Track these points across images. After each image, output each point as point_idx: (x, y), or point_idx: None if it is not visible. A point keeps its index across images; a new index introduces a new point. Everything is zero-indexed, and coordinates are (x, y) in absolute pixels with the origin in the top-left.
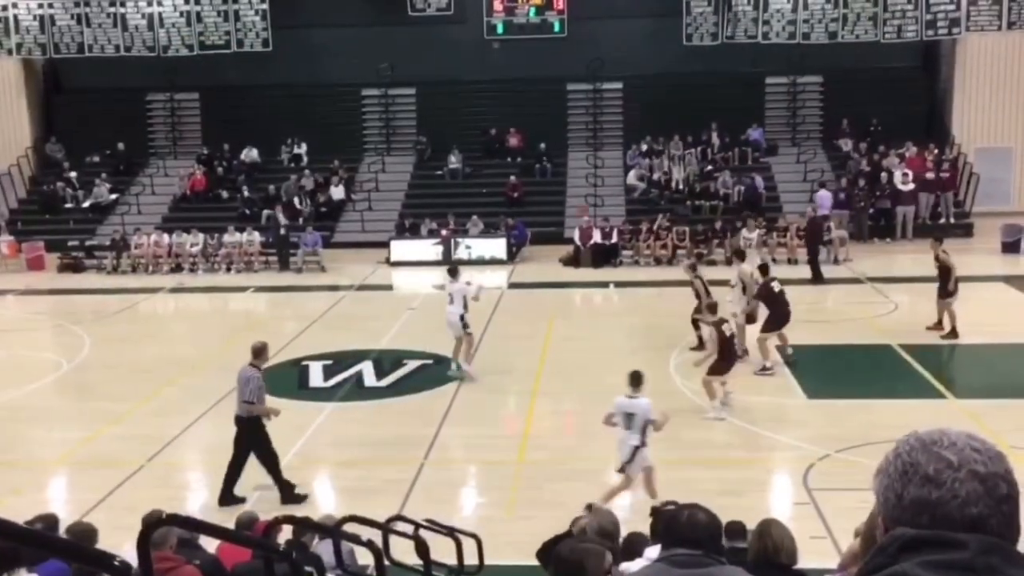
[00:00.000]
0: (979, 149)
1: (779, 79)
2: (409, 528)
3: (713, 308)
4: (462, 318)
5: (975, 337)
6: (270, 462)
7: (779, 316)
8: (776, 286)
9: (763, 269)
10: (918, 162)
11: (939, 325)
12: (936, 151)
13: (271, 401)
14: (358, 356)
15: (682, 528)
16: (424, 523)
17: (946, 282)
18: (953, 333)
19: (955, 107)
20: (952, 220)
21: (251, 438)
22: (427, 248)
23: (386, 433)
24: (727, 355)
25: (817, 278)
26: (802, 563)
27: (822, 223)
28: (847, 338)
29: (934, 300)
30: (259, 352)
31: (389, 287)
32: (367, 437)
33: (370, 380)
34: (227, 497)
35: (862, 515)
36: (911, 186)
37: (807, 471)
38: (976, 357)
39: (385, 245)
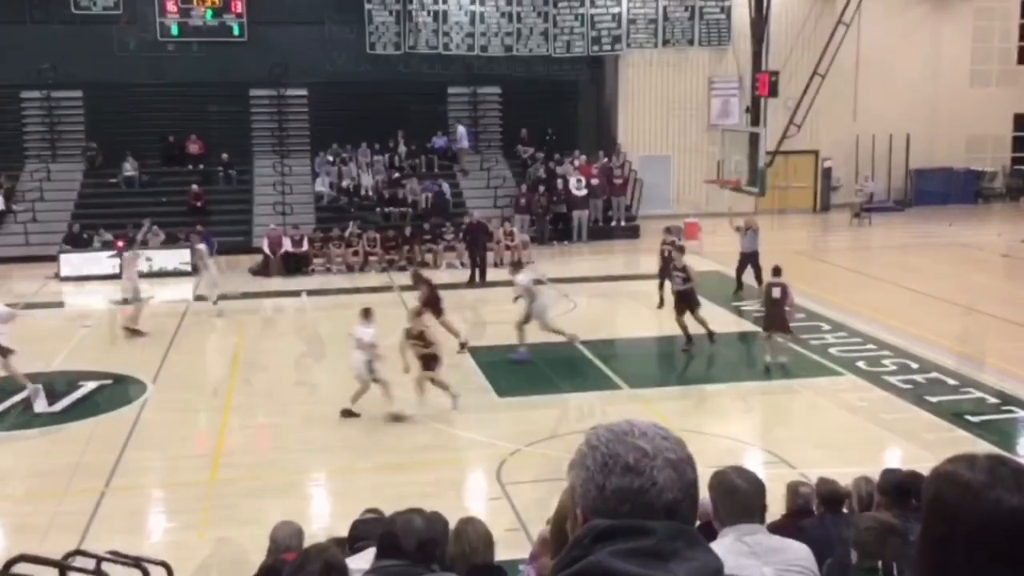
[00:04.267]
0: (642, 157)
1: (461, 89)
2: (91, 563)
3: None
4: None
5: (644, 331)
6: None
7: None
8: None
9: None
10: (590, 169)
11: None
12: (606, 159)
13: None
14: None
15: (393, 537)
16: (107, 555)
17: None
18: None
19: (620, 118)
20: (623, 223)
21: None
22: (102, 261)
23: (61, 462)
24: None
25: (473, 281)
26: (499, 556)
27: (484, 226)
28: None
29: (610, 298)
30: None
31: (60, 304)
32: (37, 468)
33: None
34: None
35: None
36: (585, 192)
37: (500, 467)
38: (646, 350)
39: (54, 259)
